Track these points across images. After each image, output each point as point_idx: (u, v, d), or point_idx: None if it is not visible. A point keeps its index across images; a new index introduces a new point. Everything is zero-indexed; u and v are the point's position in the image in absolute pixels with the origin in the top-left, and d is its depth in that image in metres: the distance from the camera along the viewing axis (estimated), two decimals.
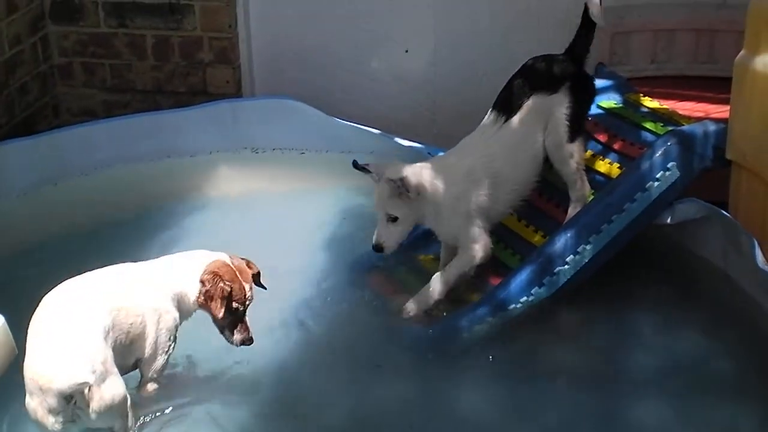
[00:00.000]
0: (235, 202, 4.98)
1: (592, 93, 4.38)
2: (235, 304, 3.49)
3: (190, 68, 5.78)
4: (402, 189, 3.96)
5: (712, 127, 4.24)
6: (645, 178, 4.15)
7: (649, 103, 4.61)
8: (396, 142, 4.99)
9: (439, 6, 5.57)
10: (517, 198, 4.24)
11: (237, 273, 3.52)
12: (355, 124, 5.14)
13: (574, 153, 4.22)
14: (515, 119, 4.19)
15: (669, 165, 4.15)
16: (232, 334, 3.56)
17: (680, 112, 4.50)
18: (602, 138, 4.49)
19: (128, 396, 3.18)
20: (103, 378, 3.07)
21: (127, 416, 3.19)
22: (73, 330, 3.13)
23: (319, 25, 5.72)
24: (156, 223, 4.73)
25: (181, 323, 3.54)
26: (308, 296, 4.20)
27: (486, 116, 4.28)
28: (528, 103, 4.19)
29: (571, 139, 4.21)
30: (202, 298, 3.49)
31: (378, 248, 4.08)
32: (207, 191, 5.05)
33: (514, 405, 3.66)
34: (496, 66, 5.48)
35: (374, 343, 3.97)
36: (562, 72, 4.23)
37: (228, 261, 3.55)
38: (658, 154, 4.16)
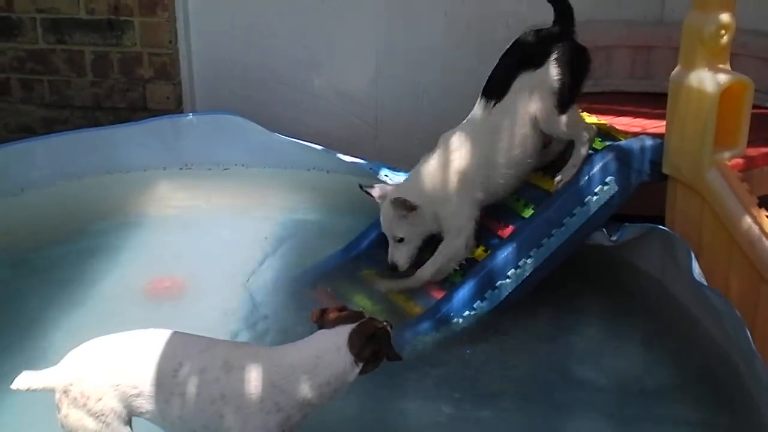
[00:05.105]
0: (176, 219, 4.93)
1: (584, 62, 4.26)
2: None
3: (130, 84, 5.73)
4: (403, 210, 4.09)
5: (648, 142, 4.30)
6: (583, 192, 4.19)
7: (588, 118, 4.66)
8: (338, 158, 5.00)
9: (380, 23, 5.59)
10: (511, 181, 4.28)
11: None
12: (297, 140, 5.14)
13: (568, 121, 4.20)
14: (503, 103, 4.20)
15: (607, 179, 4.20)
16: None
17: (618, 128, 4.54)
18: None
19: None
20: None
21: None
22: None
23: (260, 41, 5.71)
24: (95, 240, 4.67)
25: None
26: (248, 313, 4.16)
27: (476, 104, 4.28)
28: (515, 84, 4.20)
29: (562, 110, 4.19)
30: None
31: (393, 268, 4.25)
32: (147, 208, 5.00)
33: (456, 420, 3.66)
34: (437, 83, 5.54)
35: None
36: (547, 45, 4.20)
37: None
38: (596, 169, 4.20)
